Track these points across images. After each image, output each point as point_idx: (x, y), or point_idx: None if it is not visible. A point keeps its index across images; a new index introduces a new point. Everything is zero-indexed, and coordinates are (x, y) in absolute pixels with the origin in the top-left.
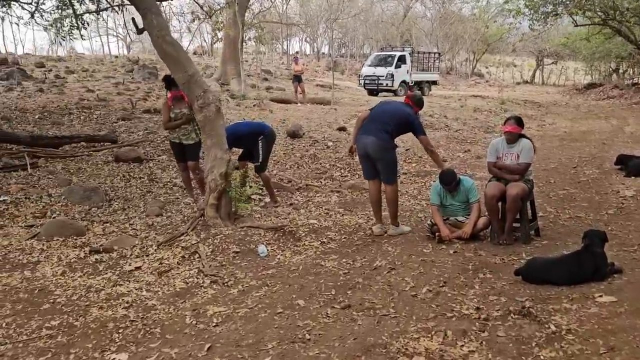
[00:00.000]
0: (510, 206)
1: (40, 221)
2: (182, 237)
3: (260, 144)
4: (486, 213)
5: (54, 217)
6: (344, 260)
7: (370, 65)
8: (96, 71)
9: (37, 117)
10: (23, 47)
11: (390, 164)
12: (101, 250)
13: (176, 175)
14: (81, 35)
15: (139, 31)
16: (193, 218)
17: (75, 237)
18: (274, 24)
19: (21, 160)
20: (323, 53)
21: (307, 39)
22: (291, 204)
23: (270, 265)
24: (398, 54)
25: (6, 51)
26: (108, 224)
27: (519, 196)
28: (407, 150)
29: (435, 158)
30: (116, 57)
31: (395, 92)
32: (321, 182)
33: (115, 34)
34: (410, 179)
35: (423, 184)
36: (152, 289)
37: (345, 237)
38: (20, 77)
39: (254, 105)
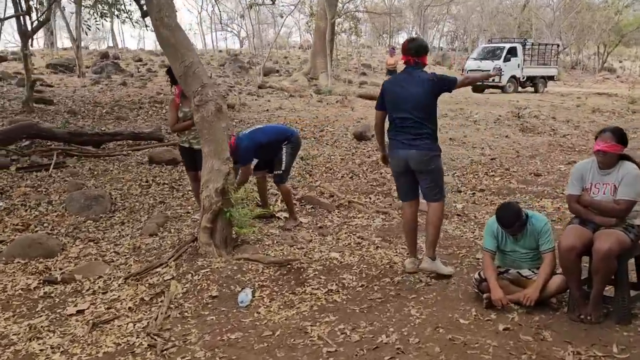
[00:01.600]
0: (599, 266)
1: (16, 235)
2: (158, 269)
3: (284, 149)
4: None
5: (35, 231)
6: (342, 326)
7: (475, 59)
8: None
9: (104, 111)
10: (139, 42)
11: (438, 174)
12: (58, 280)
13: None
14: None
15: (143, 14)
16: (183, 243)
17: (40, 260)
18: (374, 15)
19: (52, 159)
20: (434, 47)
21: (417, 31)
22: (320, 227)
23: (241, 325)
24: (508, 45)
25: (115, 45)
26: (91, 243)
27: (614, 252)
28: (492, 160)
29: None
30: (220, 51)
31: (503, 89)
32: (370, 198)
33: (229, 29)
34: (486, 199)
35: None
36: (71, 351)
37: (363, 284)
38: (113, 71)
39: (336, 102)
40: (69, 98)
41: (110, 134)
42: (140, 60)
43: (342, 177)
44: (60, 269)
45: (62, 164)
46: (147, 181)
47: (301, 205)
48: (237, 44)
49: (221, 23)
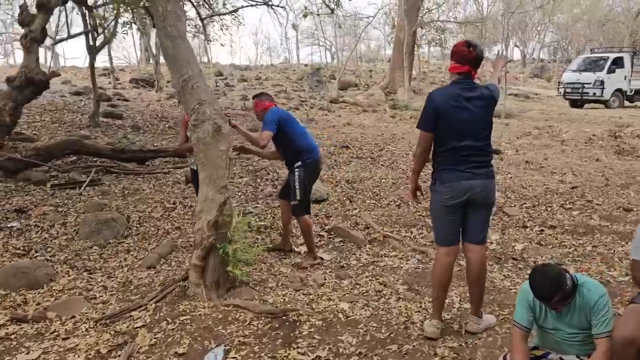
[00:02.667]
0: None
1: (13, 260)
2: (135, 311)
3: (296, 174)
4: None
5: (35, 257)
6: None
7: (574, 71)
8: (269, 79)
9: (167, 126)
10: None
11: (491, 209)
12: (28, 318)
13: None
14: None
15: (154, 24)
16: (171, 281)
17: (22, 292)
18: (465, 26)
19: (96, 174)
20: (534, 58)
21: (517, 43)
22: (342, 267)
23: None
24: (613, 55)
25: (209, 60)
26: (85, 274)
27: None
28: (572, 189)
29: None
30: (305, 65)
31: (606, 104)
32: (411, 232)
33: (322, 43)
34: (556, 239)
35: (574, 248)
36: None
37: (361, 352)
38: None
39: (410, 117)
40: (139, 113)
41: (153, 151)
42: (220, 74)
43: (387, 204)
44: (38, 304)
45: (97, 182)
46: (173, 203)
47: (329, 237)
48: (327, 57)
49: (317, 38)
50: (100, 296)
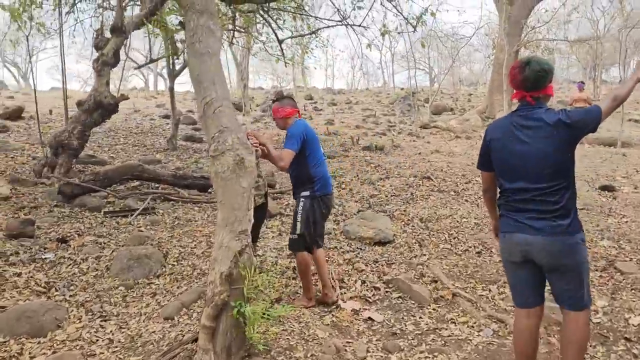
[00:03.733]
0: None
1: (29, 299)
2: None
3: (301, 204)
4: None
5: (55, 296)
6: None
7: None
8: (359, 103)
9: None
10: (329, 81)
11: (582, 270)
12: None
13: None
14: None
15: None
16: (178, 343)
17: (22, 340)
18: (579, 45)
19: (152, 202)
20: None
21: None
22: (394, 333)
23: None
24: None
25: (306, 85)
26: (98, 320)
27: None
28: None
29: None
30: (402, 89)
31: None
32: (489, 290)
33: (419, 66)
34: None
35: None
36: None
37: None
38: None
39: None
40: None
41: None
42: (311, 98)
43: (465, 250)
44: (32, 357)
45: (150, 210)
46: None
47: (386, 291)
48: (427, 82)
49: (413, 59)
50: (101, 353)
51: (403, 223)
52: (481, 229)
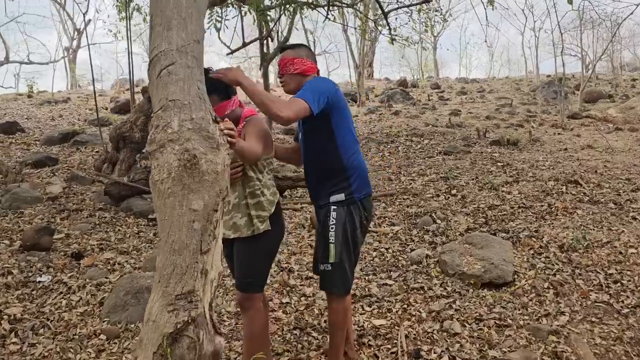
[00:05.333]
0: None
1: None
2: None
3: (332, 215)
4: None
5: (7, 346)
6: None
7: None
8: (493, 91)
9: None
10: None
11: None
12: None
13: None
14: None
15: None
16: None
17: None
18: None
19: None
20: None
21: None
22: None
23: None
24: None
25: (436, 75)
26: None
27: None
28: None
29: None
30: (548, 76)
31: None
32: None
33: (569, 52)
34: None
35: None
36: None
37: None
38: (400, 99)
39: None
40: None
41: (291, 179)
42: (437, 87)
43: (634, 308)
44: None
45: None
46: None
47: None
48: (580, 68)
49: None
50: None
51: (532, 252)
52: None
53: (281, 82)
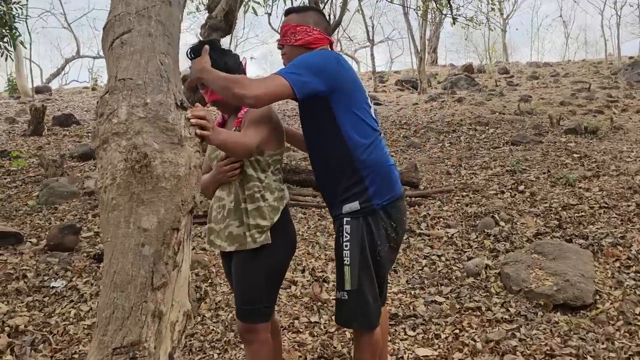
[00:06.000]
0: None
1: None
2: None
3: (346, 231)
4: None
5: (13, 355)
6: None
7: None
8: (569, 75)
9: (402, 135)
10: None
11: None
12: None
13: None
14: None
15: None
16: None
17: None
18: None
19: None
20: None
21: None
22: None
23: None
24: None
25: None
26: None
27: None
28: None
29: None
30: (630, 57)
31: None
32: None
33: None
34: None
35: None
36: None
37: None
38: (465, 85)
39: None
40: (385, 118)
41: None
42: (506, 72)
43: None
44: None
45: None
46: (292, 276)
47: None
48: None
49: None
50: None
51: (618, 265)
52: None
53: (282, 55)
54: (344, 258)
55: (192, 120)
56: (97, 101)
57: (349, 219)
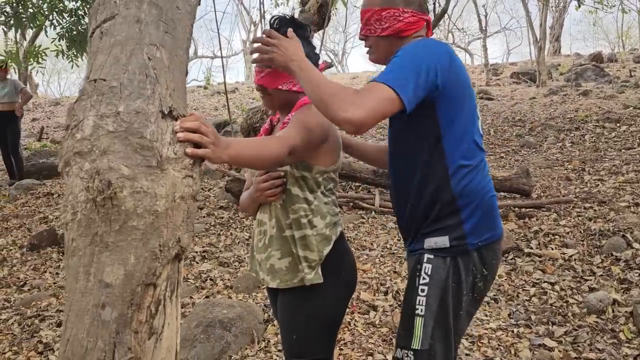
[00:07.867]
0: None
1: None
2: None
3: (426, 271)
4: None
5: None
6: None
7: None
8: None
9: (515, 134)
10: None
11: None
12: None
13: None
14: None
15: None
16: None
17: None
18: None
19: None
20: None
21: None
22: None
23: None
24: None
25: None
26: None
27: None
28: None
29: None
30: None
31: None
32: None
33: None
34: None
35: None
36: None
37: None
38: (592, 77)
39: None
40: (494, 114)
41: None
42: None
43: None
44: None
45: None
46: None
47: None
48: None
49: None
50: None
51: None
52: None
53: (367, 50)
54: (417, 307)
55: (179, 135)
56: (70, 110)
57: (432, 256)
